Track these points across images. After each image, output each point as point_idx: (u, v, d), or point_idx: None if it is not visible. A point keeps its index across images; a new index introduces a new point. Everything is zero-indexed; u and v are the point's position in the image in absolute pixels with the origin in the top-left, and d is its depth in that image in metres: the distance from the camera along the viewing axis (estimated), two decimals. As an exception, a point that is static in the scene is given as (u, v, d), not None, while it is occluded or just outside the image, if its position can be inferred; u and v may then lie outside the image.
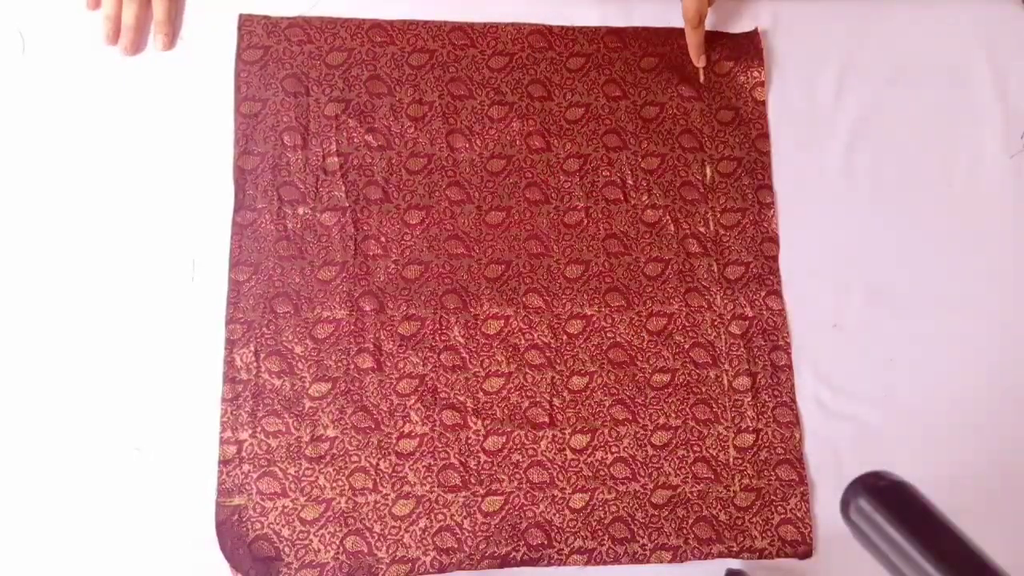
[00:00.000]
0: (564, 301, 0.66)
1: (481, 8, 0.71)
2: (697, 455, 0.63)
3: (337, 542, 0.60)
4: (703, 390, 0.65)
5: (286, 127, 0.67)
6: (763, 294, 0.67)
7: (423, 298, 0.65)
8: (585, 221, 0.67)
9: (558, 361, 0.65)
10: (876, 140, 0.70)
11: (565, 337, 0.65)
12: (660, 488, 0.62)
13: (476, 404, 0.63)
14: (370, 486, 0.61)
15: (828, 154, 0.70)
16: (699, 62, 0.70)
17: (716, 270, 0.67)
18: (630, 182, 0.69)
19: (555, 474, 0.62)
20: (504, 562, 0.60)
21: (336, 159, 0.66)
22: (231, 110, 0.68)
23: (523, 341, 0.65)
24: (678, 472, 0.63)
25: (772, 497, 0.63)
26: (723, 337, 0.66)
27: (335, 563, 0.60)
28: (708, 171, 0.70)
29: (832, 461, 0.64)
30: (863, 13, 0.72)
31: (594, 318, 0.66)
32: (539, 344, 0.65)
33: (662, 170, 0.69)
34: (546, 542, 0.61)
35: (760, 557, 0.61)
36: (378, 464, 0.62)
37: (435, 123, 0.68)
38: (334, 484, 0.61)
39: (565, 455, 0.63)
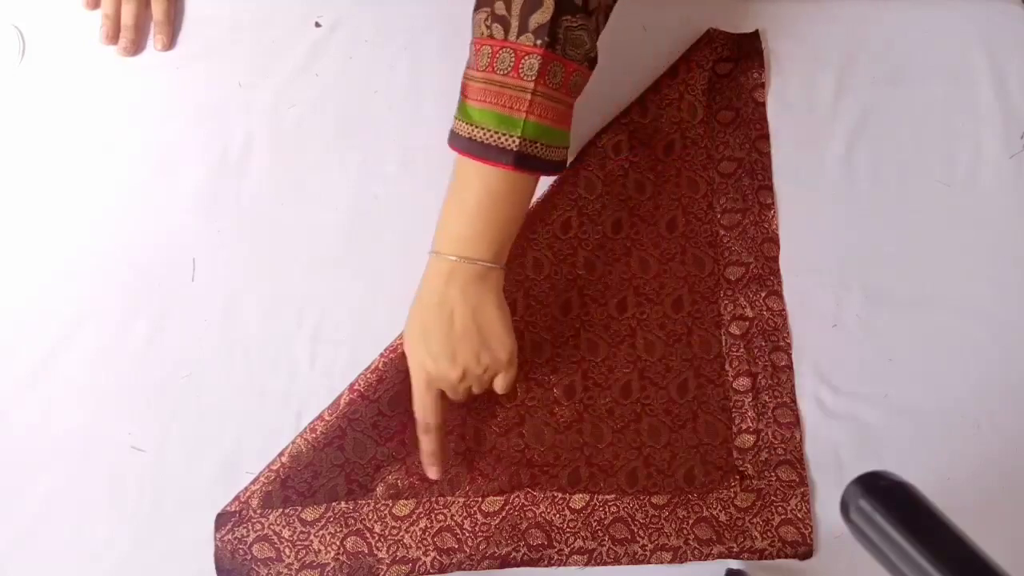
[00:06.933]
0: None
1: None
2: (697, 455, 0.63)
3: (337, 543, 0.60)
4: (703, 390, 0.65)
5: None
6: (763, 294, 0.67)
7: None
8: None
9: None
10: (876, 140, 0.70)
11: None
12: (660, 488, 0.62)
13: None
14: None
15: (828, 154, 0.70)
16: (430, 473, 0.59)
17: (716, 271, 0.67)
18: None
19: (555, 474, 0.62)
20: (504, 562, 0.60)
21: None
22: (230, 110, 0.68)
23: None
24: (678, 472, 0.63)
25: (772, 498, 0.62)
26: (723, 338, 0.66)
27: (335, 563, 0.59)
28: (708, 172, 0.69)
29: (832, 461, 0.63)
30: (863, 13, 0.72)
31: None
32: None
33: (662, 170, 0.69)
34: (546, 542, 0.61)
35: (760, 558, 0.61)
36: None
37: None
38: (334, 484, 0.61)
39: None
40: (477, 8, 0.53)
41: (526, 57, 0.50)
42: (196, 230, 0.66)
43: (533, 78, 0.50)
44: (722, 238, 0.68)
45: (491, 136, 0.51)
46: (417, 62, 0.70)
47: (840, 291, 0.67)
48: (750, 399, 0.65)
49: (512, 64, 0.50)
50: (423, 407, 0.57)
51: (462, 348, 0.54)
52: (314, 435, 0.59)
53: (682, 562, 0.61)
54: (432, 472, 0.59)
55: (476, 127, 0.52)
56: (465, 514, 0.61)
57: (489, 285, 0.55)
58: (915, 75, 0.71)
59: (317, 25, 0.70)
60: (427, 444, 0.58)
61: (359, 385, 0.59)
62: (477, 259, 0.54)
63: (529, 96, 0.51)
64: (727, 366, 0.65)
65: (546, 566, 0.61)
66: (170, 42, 0.69)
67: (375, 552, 0.60)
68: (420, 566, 0.60)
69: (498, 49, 0.51)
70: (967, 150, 0.70)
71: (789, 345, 0.66)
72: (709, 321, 0.66)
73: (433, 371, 0.55)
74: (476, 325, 0.54)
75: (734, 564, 0.61)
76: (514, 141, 0.51)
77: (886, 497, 0.37)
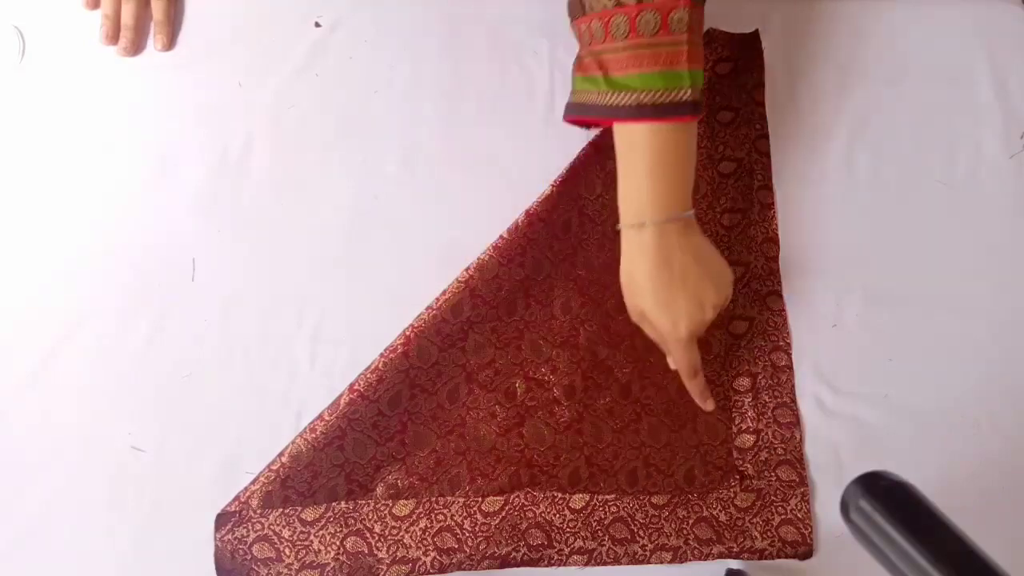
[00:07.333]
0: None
1: None
2: (697, 455, 0.63)
3: (337, 543, 0.60)
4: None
5: None
6: (763, 294, 0.67)
7: None
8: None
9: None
10: (876, 140, 0.70)
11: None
12: (660, 488, 0.62)
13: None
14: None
15: (828, 154, 0.70)
16: (707, 406, 0.63)
17: (716, 270, 0.67)
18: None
19: (555, 474, 0.62)
20: (504, 562, 0.60)
21: None
22: (230, 110, 0.68)
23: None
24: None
25: (772, 498, 0.62)
26: (723, 337, 0.66)
27: (335, 563, 0.59)
28: (708, 172, 0.69)
29: (832, 461, 0.63)
30: (863, 13, 0.72)
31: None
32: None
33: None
34: (546, 542, 0.61)
35: (760, 558, 0.61)
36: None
37: None
38: (334, 484, 0.61)
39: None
40: None
41: (673, 12, 0.52)
42: (196, 230, 0.66)
43: (685, 30, 0.53)
44: (722, 238, 0.68)
45: (662, 95, 0.53)
46: (417, 62, 0.70)
47: (840, 291, 0.67)
48: (750, 399, 0.65)
49: (659, 23, 0.52)
50: (688, 359, 0.59)
51: (705, 292, 0.57)
52: (314, 435, 0.59)
53: (682, 562, 0.61)
54: (710, 404, 0.62)
55: (641, 92, 0.53)
56: (465, 514, 0.61)
57: (693, 228, 0.58)
58: (915, 75, 0.71)
59: (317, 25, 0.70)
60: (697, 386, 0.61)
61: (359, 385, 0.59)
62: (678, 215, 0.56)
63: (686, 47, 0.53)
64: (727, 366, 0.65)
65: (546, 566, 0.61)
66: (170, 42, 0.69)
67: (375, 552, 0.60)
68: (420, 566, 0.60)
69: (635, 14, 0.52)
70: (967, 150, 0.70)
71: (789, 345, 0.66)
72: None
73: (693, 326, 0.57)
74: (703, 268, 0.57)
75: (734, 564, 0.61)
76: (686, 92, 0.54)
77: (886, 497, 0.37)
